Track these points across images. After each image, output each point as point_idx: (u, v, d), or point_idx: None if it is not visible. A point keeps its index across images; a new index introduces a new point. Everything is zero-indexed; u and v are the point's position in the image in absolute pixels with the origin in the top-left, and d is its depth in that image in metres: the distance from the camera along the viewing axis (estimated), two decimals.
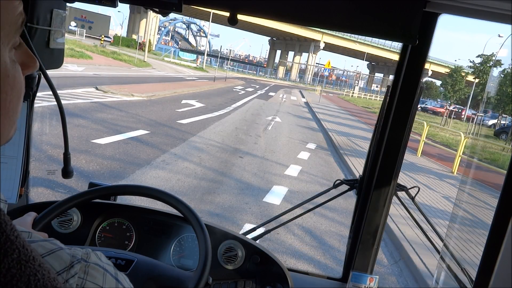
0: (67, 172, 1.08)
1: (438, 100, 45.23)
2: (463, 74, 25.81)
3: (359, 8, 0.88)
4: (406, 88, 1.13)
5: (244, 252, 1.14)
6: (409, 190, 1.31)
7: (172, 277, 0.89)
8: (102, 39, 42.22)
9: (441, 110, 34.14)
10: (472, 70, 23.72)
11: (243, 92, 24.74)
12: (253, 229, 1.44)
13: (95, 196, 0.96)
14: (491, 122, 27.03)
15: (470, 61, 23.04)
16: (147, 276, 0.87)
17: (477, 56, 23.05)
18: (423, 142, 10.63)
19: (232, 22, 0.90)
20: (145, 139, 7.03)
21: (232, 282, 1.12)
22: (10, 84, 0.38)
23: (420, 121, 11.82)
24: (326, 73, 29.16)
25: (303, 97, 31.75)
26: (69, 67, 17.64)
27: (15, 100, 0.40)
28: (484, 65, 22.52)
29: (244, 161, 6.92)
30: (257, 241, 1.23)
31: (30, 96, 1.07)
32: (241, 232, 1.31)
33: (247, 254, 1.14)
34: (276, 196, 5.27)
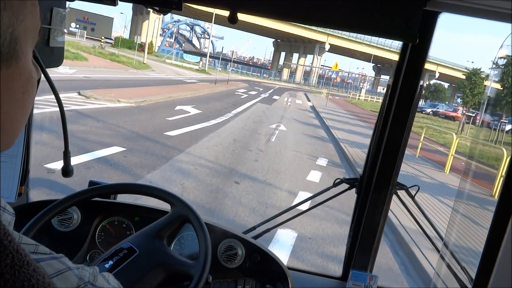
0: (67, 171, 1.03)
1: (446, 102, 43.49)
2: (482, 77, 24.23)
3: (360, 7, 0.87)
4: (406, 87, 1.13)
5: (244, 250, 1.14)
6: (409, 189, 1.30)
7: (171, 219, 0.94)
8: (102, 41, 41.43)
9: (454, 114, 32.56)
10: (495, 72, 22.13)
11: (245, 95, 23.34)
12: (253, 228, 1.41)
13: (95, 194, 0.99)
14: (508, 127, 25.39)
15: (493, 63, 21.51)
16: (151, 237, 0.90)
17: (500, 58, 21.53)
18: (452, 156, 9.14)
19: (232, 21, 0.88)
20: (116, 160, 5.62)
21: (232, 281, 1.12)
22: (32, 85, 0.41)
23: (444, 130, 10.32)
24: (334, 75, 27.68)
25: (309, 100, 30.33)
26: (60, 69, 16.22)
27: (32, 101, 0.42)
28: (509, 67, 20.95)
29: (241, 188, 5.48)
30: (257, 240, 1.22)
31: None
32: (241, 231, 1.26)
33: (247, 252, 1.14)
34: (280, 248, 3.83)
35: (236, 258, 1.13)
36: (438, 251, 1.32)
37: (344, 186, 1.36)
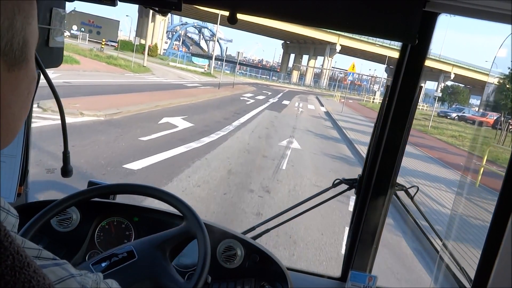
0: (66, 171, 1.04)
1: (464, 105, 40.11)
2: None
3: (359, 8, 0.88)
4: (405, 88, 1.13)
5: (243, 251, 1.14)
6: (408, 190, 1.30)
7: (178, 233, 0.91)
8: (103, 43, 39.79)
9: (483, 119, 29.50)
10: None
11: (252, 101, 20.77)
12: (252, 228, 1.40)
13: (94, 195, 0.98)
14: None
15: None
16: (156, 244, 0.87)
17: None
18: None
19: (232, 21, 0.89)
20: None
21: (231, 281, 1.12)
22: (34, 85, 0.42)
23: None
24: (351, 78, 24.97)
25: (322, 105, 27.66)
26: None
27: (32, 100, 0.44)
28: None
29: None
30: (256, 240, 1.22)
31: None
32: (240, 231, 1.26)
33: (246, 253, 1.14)
34: None
35: (236, 259, 1.13)
36: (437, 251, 1.34)
37: (344, 186, 1.34)
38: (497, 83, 22.26)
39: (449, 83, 62.02)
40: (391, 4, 0.85)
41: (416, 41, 0.88)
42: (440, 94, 25.30)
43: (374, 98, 48.71)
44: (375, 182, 1.23)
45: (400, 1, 0.85)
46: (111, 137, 7.09)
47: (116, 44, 51.20)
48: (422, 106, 49.19)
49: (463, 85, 63.25)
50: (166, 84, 21.46)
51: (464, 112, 31.24)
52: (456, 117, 30.65)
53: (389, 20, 0.86)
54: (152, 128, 8.47)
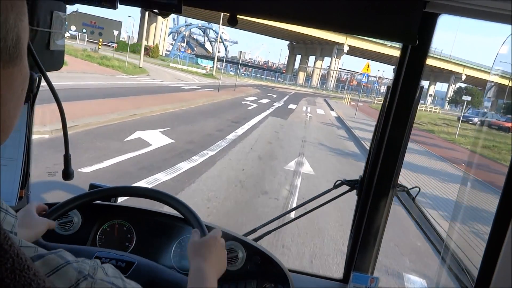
0: (67, 174, 1.06)
1: (471, 108, 37.33)
2: None
3: (359, 9, 0.88)
4: (406, 88, 1.14)
5: (245, 253, 1.14)
6: (410, 191, 1.29)
7: (173, 281, 0.87)
8: (100, 44, 38.03)
9: (510, 124, 26.95)
10: None
11: (254, 105, 18.51)
12: (254, 230, 1.38)
13: (96, 197, 0.99)
14: None
15: None
16: (147, 279, 0.85)
17: None
18: None
19: (232, 22, 0.89)
20: None
21: (233, 283, 1.12)
22: (27, 82, 0.43)
23: None
24: (365, 79, 22.56)
25: (332, 109, 25.32)
26: None
27: (25, 96, 0.44)
28: None
29: None
30: (258, 242, 1.22)
31: (30, 98, 1.09)
32: (242, 233, 1.25)
33: (248, 255, 1.14)
34: None
35: (237, 261, 1.13)
36: (439, 252, 1.33)
37: (345, 187, 1.34)
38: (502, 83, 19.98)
39: (462, 85, 59.59)
40: (391, 5, 0.86)
41: (417, 42, 0.89)
42: (469, 98, 22.73)
43: None
44: (377, 183, 1.22)
45: (400, 2, 0.86)
46: (39, 168, 4.80)
47: (116, 44, 49.58)
48: (434, 109, 46.70)
49: (474, 87, 60.84)
50: (160, 87, 19.29)
51: (486, 117, 28.66)
52: (478, 122, 28.11)
53: (389, 21, 0.87)
54: (112, 149, 6.21)
